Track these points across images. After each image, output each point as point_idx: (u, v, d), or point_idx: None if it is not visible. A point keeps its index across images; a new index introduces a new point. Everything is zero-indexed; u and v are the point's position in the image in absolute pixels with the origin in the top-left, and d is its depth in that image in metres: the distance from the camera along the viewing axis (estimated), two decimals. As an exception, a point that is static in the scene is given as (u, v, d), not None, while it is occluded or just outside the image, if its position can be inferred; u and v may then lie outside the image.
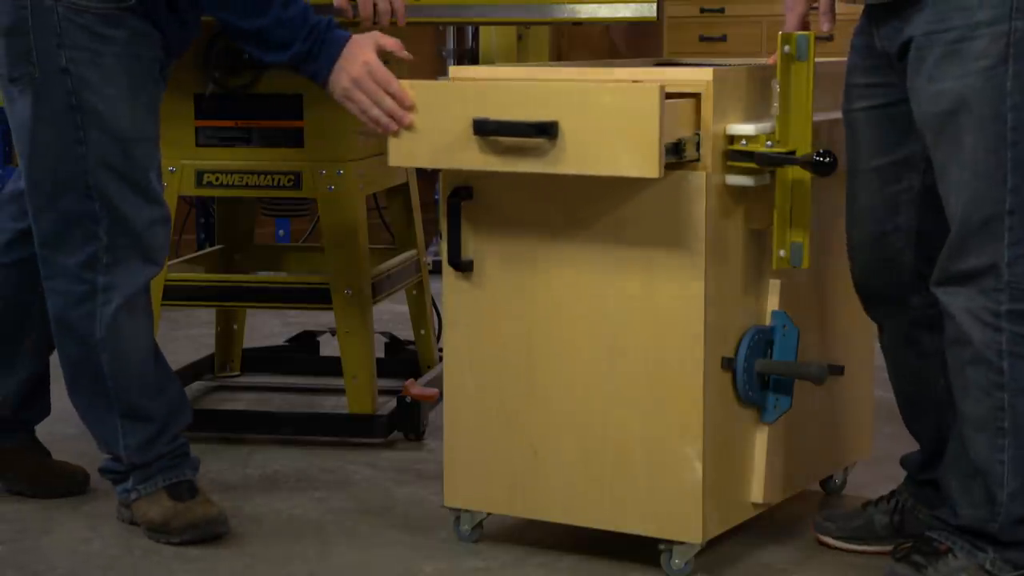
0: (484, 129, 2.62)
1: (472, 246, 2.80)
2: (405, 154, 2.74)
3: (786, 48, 2.63)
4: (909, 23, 2.54)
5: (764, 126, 2.64)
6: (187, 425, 3.02)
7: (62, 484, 3.23)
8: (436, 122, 2.68)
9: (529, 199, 2.74)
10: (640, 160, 2.51)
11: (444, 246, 2.81)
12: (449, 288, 2.83)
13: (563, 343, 2.74)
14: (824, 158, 2.59)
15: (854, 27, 2.76)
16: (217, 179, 3.51)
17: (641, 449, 2.69)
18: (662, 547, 2.71)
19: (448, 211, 2.78)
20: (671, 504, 2.68)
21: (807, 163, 2.62)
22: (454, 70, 2.81)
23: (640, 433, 2.69)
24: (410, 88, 2.71)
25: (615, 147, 2.53)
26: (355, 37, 2.80)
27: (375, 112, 2.74)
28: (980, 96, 2.45)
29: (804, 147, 2.62)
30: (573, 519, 2.78)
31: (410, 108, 2.70)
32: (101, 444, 2.99)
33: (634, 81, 2.57)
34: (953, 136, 2.49)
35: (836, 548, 2.88)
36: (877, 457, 3.24)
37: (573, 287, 2.72)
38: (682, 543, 2.69)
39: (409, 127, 2.69)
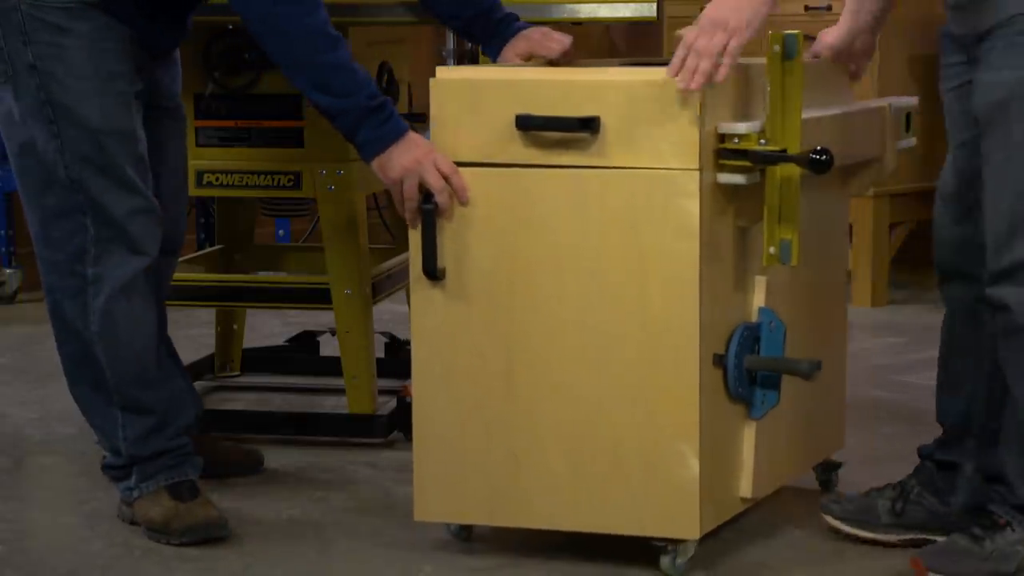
0: (527, 125, 2.68)
1: (445, 252, 2.74)
2: (448, 151, 2.74)
3: (775, 48, 2.65)
4: (980, 19, 2.61)
5: (753, 124, 2.66)
6: (191, 422, 3.02)
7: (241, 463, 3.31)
8: (478, 119, 2.72)
9: (508, 199, 2.71)
10: (681, 153, 2.60)
11: (413, 255, 2.74)
12: (419, 298, 2.76)
13: (547, 348, 2.71)
14: (821, 156, 2.61)
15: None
16: (217, 179, 3.50)
17: (635, 449, 2.69)
18: (667, 547, 2.71)
19: (423, 217, 2.72)
20: (667, 502, 2.68)
21: (804, 161, 2.63)
22: (440, 71, 2.79)
23: (634, 433, 2.68)
24: (452, 87, 2.72)
25: (656, 141, 2.61)
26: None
27: (411, 206, 2.73)
28: None
29: (794, 145, 2.64)
30: (560, 524, 2.76)
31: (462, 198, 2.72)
32: (101, 437, 2.99)
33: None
34: (1003, 125, 2.55)
35: (839, 530, 2.90)
36: (877, 457, 3.25)
37: (558, 290, 2.70)
38: (679, 540, 2.70)
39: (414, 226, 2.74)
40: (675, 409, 2.66)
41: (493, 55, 3.05)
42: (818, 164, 2.62)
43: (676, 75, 2.57)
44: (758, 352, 2.76)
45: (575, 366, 2.70)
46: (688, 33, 2.57)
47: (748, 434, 2.80)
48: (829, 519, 2.92)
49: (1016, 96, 2.53)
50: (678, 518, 2.68)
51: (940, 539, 2.81)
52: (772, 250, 2.70)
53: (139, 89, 2.90)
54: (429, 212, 2.71)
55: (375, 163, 2.77)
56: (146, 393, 2.94)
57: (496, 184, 2.71)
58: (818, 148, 2.62)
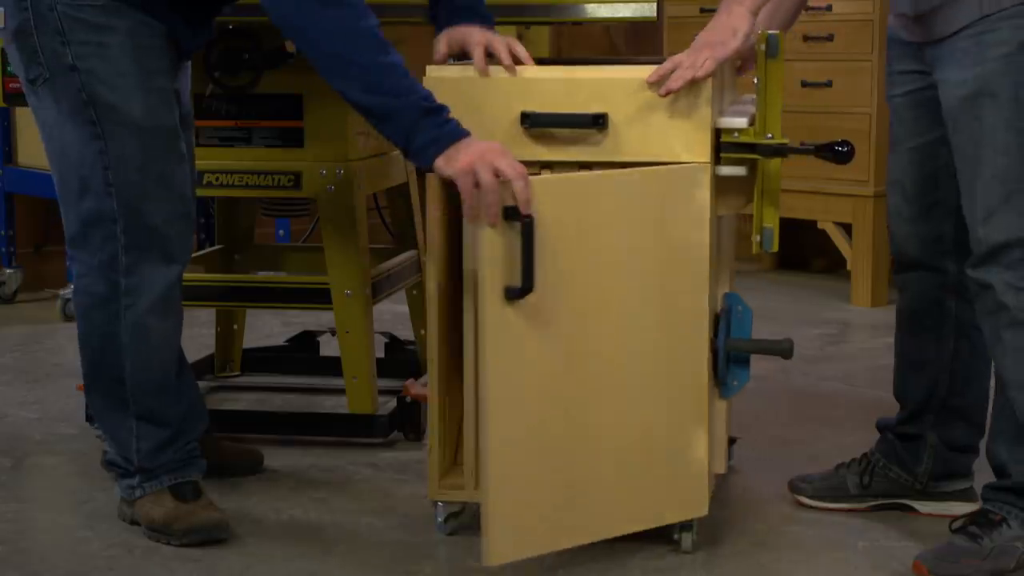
0: (537, 122, 2.71)
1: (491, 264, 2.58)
2: None
3: (761, 46, 2.75)
4: (941, 25, 2.71)
5: (742, 120, 2.75)
6: (201, 433, 3.02)
7: (241, 463, 3.31)
8: (477, 117, 2.70)
9: (567, 205, 2.63)
10: (692, 147, 2.69)
11: (485, 269, 2.49)
12: (494, 322, 2.50)
13: (598, 357, 2.65)
14: (843, 147, 2.79)
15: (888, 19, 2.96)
16: (217, 179, 3.50)
17: (662, 439, 2.74)
18: (686, 526, 2.80)
19: (523, 230, 2.49)
20: (684, 485, 2.77)
21: (827, 152, 2.79)
22: (432, 69, 2.77)
23: (660, 424, 2.74)
24: (450, 85, 2.70)
25: (665, 135, 2.68)
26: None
27: (492, 197, 2.52)
28: (1001, 79, 2.63)
29: (776, 136, 2.76)
30: (608, 532, 2.75)
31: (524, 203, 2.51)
32: (113, 445, 2.98)
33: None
34: (975, 117, 2.66)
35: (811, 507, 3.07)
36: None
37: (604, 292, 2.64)
38: (691, 520, 2.80)
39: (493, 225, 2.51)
40: (693, 397, 2.75)
41: (432, 18, 2.93)
42: (842, 155, 2.79)
43: (655, 81, 2.67)
44: (729, 336, 2.87)
45: (619, 370, 2.68)
46: (678, 55, 2.69)
47: (720, 413, 2.92)
48: (802, 499, 3.08)
49: (984, 90, 2.64)
50: (692, 499, 2.78)
51: (905, 503, 3.04)
52: (757, 238, 2.79)
53: (176, 88, 2.89)
54: (529, 225, 2.50)
55: (439, 160, 2.57)
56: (165, 405, 2.93)
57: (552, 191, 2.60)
58: (840, 140, 2.80)
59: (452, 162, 2.57)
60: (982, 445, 2.95)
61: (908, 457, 3.02)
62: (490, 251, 2.51)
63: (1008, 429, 2.75)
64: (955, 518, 2.82)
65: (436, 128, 2.58)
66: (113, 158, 2.80)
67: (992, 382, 2.89)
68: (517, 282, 2.51)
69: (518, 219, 2.49)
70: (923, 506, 3.02)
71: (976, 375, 2.98)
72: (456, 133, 2.59)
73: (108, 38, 2.77)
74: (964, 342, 2.95)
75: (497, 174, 2.52)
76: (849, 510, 3.04)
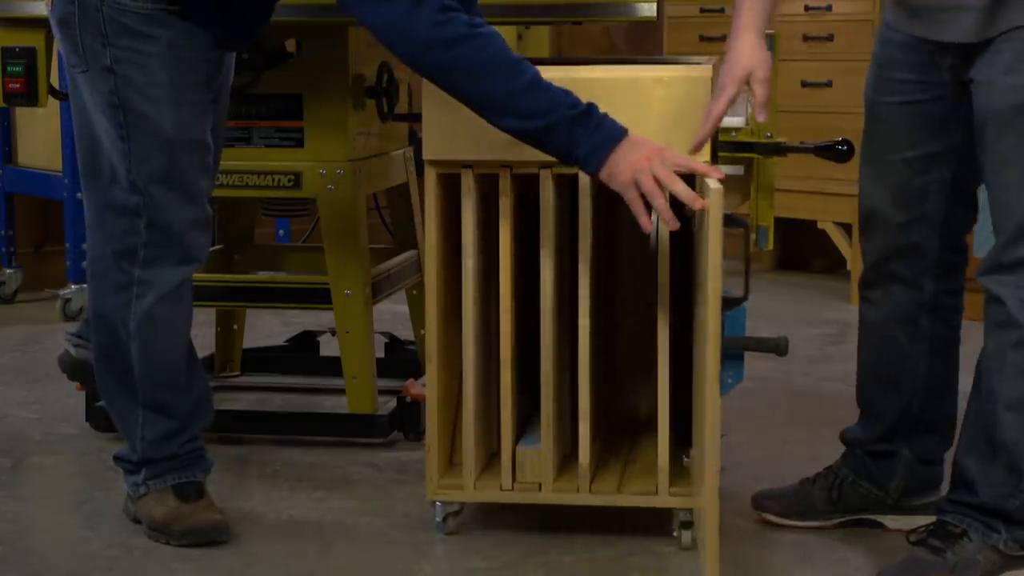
0: None
1: None
2: (444, 152, 2.73)
3: None
4: (991, 25, 2.58)
5: (739, 119, 2.77)
6: (206, 426, 3.02)
7: None
8: (477, 118, 2.66)
9: None
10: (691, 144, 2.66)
11: (716, 281, 2.42)
12: (717, 332, 2.45)
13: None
14: (843, 146, 2.83)
15: (883, 21, 2.81)
16: (217, 179, 3.50)
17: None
18: (681, 523, 2.80)
19: (743, 240, 2.46)
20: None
21: (827, 151, 2.82)
22: None
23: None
24: None
25: (667, 135, 2.66)
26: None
27: (660, 202, 2.49)
28: None
29: (774, 135, 2.79)
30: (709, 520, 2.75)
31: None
32: (120, 430, 2.99)
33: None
34: (1022, 129, 2.56)
35: (778, 524, 2.98)
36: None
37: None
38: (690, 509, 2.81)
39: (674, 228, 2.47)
40: (702, 392, 2.70)
41: None
42: (842, 154, 2.83)
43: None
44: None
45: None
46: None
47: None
48: (770, 517, 3.00)
49: None
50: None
51: (876, 519, 2.95)
52: (753, 236, 2.83)
53: (211, 98, 2.87)
54: (746, 233, 2.49)
55: (604, 172, 2.53)
56: (173, 397, 2.93)
57: None
58: (840, 140, 2.82)
59: (614, 177, 2.53)
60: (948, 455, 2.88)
61: (880, 474, 2.93)
62: (716, 260, 2.41)
63: (981, 446, 2.65)
64: (912, 530, 2.75)
65: (590, 135, 2.53)
66: (137, 163, 2.80)
67: (968, 392, 2.75)
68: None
69: (735, 227, 2.45)
70: (892, 521, 2.94)
71: (948, 389, 2.90)
72: (612, 135, 2.54)
73: (148, 47, 2.76)
74: (938, 360, 2.86)
75: (658, 181, 2.48)
76: (817, 527, 2.96)
